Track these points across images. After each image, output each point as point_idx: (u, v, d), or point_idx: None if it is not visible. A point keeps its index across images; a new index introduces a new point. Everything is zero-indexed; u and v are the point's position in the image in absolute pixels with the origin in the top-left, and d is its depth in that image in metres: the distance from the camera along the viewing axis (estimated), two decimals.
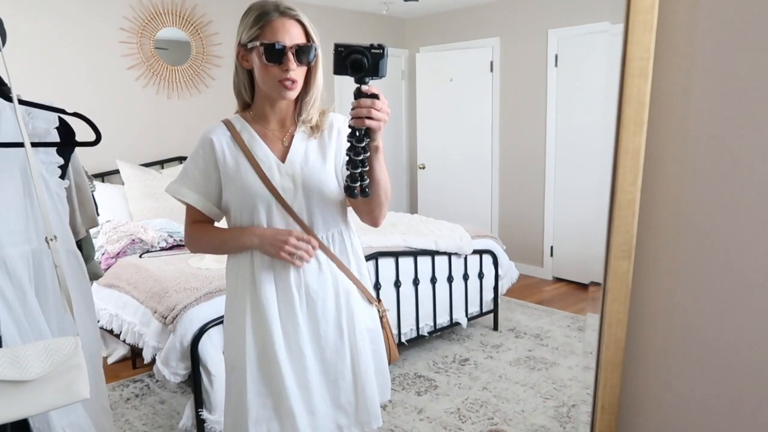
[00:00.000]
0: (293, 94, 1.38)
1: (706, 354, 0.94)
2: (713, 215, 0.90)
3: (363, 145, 1.24)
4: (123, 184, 3.93)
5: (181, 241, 3.47)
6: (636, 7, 0.79)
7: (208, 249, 1.53)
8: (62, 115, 1.52)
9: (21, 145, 1.33)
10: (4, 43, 1.17)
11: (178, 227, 3.61)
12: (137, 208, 3.83)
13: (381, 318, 1.61)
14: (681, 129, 0.87)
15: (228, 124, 1.46)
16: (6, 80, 1.32)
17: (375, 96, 1.23)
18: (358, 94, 1.23)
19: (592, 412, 0.94)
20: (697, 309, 0.93)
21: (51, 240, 1.30)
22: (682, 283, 0.93)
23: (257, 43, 1.33)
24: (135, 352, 3.23)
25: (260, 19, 1.33)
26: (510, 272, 3.92)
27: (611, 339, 0.87)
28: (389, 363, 1.65)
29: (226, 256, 1.53)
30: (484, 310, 3.74)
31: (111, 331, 2.93)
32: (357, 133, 1.23)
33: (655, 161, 0.90)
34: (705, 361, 0.94)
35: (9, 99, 1.42)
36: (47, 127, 1.48)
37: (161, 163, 4.32)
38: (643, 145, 0.85)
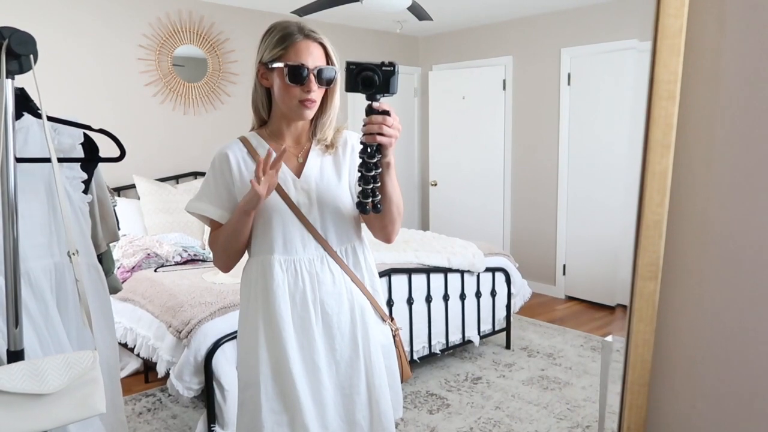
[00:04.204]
0: (311, 114, 1.41)
1: (733, 376, 0.93)
2: (740, 236, 0.90)
3: (374, 161, 1.25)
4: (139, 198, 3.98)
5: (195, 255, 3.49)
6: (664, 31, 0.80)
7: (224, 242, 1.44)
8: (87, 131, 1.55)
9: (48, 160, 1.36)
10: (35, 62, 1.20)
11: (192, 242, 3.63)
12: (152, 222, 3.87)
13: (394, 336, 1.61)
14: (707, 150, 0.87)
15: (244, 140, 1.48)
16: (36, 97, 1.35)
17: (386, 112, 1.24)
18: (370, 111, 1.24)
19: None
20: (724, 330, 0.92)
21: (73, 254, 1.31)
22: (708, 304, 0.92)
23: (281, 64, 1.35)
24: (148, 366, 3.24)
25: (284, 40, 1.36)
26: (523, 290, 3.90)
27: (637, 360, 0.87)
28: (402, 381, 1.64)
29: (240, 270, 1.54)
30: (496, 329, 3.72)
31: (125, 345, 2.95)
32: (368, 150, 1.25)
33: (681, 182, 0.90)
34: (731, 383, 0.93)
35: (36, 115, 1.45)
36: (72, 142, 1.51)
37: (176, 178, 4.36)
38: (670, 167, 0.86)
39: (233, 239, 1.42)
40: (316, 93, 1.38)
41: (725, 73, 0.86)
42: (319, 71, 1.36)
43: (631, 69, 4.29)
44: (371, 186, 1.28)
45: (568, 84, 4.76)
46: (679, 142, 0.87)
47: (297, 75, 1.34)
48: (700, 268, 0.92)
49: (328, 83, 1.40)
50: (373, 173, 1.26)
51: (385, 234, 1.48)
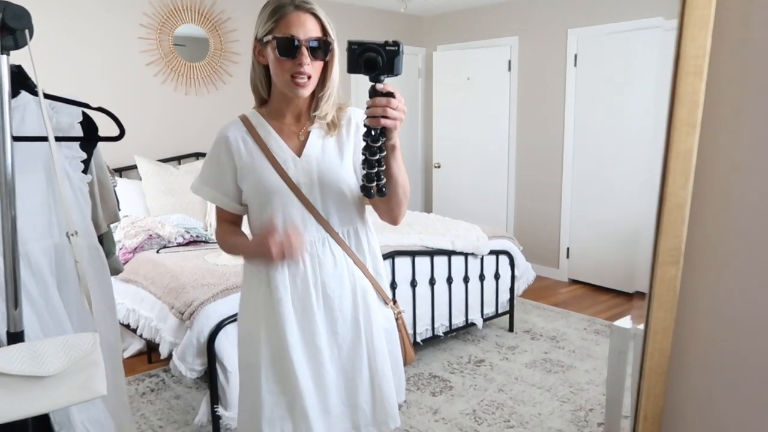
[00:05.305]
0: (305, 92, 1.35)
1: (751, 366, 0.90)
2: (766, 221, 0.86)
3: (379, 144, 1.21)
4: (140, 179, 3.95)
5: (197, 237, 3.47)
6: (693, 2, 0.75)
7: (230, 251, 1.55)
8: (86, 110, 1.52)
9: (45, 139, 1.33)
10: (31, 36, 1.16)
11: (194, 223, 3.61)
12: (154, 203, 3.85)
13: (396, 319, 1.59)
14: (734, 130, 0.83)
15: (244, 119, 1.45)
16: (32, 74, 1.32)
17: (390, 94, 1.20)
18: (373, 93, 1.20)
19: (633, 421, 0.91)
20: (744, 318, 0.89)
21: (72, 235, 1.29)
22: (730, 291, 0.89)
23: (271, 37, 1.31)
24: (151, 347, 3.25)
25: (275, 12, 1.31)
26: (527, 273, 3.89)
27: (656, 348, 0.84)
28: (405, 364, 1.63)
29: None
30: (499, 311, 3.71)
31: (128, 326, 2.95)
32: (373, 133, 1.20)
33: (705, 163, 0.86)
34: (749, 373, 0.90)
35: (34, 93, 1.42)
36: (71, 121, 1.48)
37: (178, 159, 4.33)
38: (695, 147, 0.82)
39: (238, 255, 1.50)
40: (310, 67, 1.32)
41: (755, 46, 0.82)
42: (312, 44, 1.30)
43: (639, 50, 4.22)
44: (376, 170, 1.24)
45: (575, 65, 4.69)
46: (705, 121, 0.83)
47: (287, 48, 1.29)
48: (723, 253, 0.89)
49: (322, 57, 1.34)
50: (377, 157, 1.23)
51: (391, 217, 1.46)
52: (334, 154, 1.43)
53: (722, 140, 0.84)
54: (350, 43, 1.18)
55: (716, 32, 0.80)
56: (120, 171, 4.03)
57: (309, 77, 1.33)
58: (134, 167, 4.04)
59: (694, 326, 0.91)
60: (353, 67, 1.19)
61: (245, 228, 1.51)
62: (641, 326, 0.92)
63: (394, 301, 1.60)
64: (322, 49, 1.33)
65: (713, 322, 0.91)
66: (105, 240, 1.68)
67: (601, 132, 4.57)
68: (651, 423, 0.86)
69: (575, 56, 4.68)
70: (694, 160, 0.82)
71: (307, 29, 1.31)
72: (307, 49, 1.30)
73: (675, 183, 0.81)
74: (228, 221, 1.50)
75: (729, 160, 0.85)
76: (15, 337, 1.22)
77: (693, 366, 0.92)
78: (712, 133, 0.85)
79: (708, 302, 0.91)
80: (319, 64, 1.36)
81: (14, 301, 1.21)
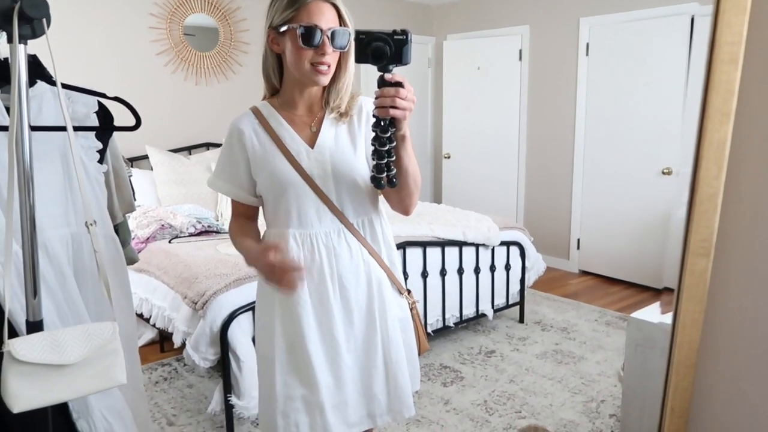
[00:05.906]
0: (326, 80, 1.35)
1: None
2: None
3: (388, 135, 1.21)
4: (152, 169, 3.96)
5: (209, 227, 3.48)
6: None
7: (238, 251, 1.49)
8: (101, 100, 1.52)
9: (63, 129, 1.33)
10: (48, 26, 1.16)
11: (206, 213, 3.62)
12: (166, 193, 3.86)
13: (411, 309, 1.59)
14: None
15: (256, 111, 1.44)
16: (50, 63, 1.32)
17: (399, 84, 1.19)
18: (382, 83, 1.19)
19: (660, 415, 0.90)
20: None
21: (91, 225, 1.30)
22: (761, 283, 0.87)
23: (293, 26, 1.30)
24: (163, 336, 3.27)
25: (295, 1, 1.30)
26: (537, 264, 3.87)
27: (684, 340, 0.83)
28: (419, 354, 1.63)
29: None
30: (510, 302, 3.71)
31: (141, 315, 2.96)
32: (382, 123, 1.20)
33: (739, 153, 0.84)
34: None
35: (51, 83, 1.42)
36: (87, 111, 1.48)
37: (189, 149, 4.34)
38: (729, 136, 0.80)
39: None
40: (331, 56, 1.32)
41: None
42: (333, 33, 1.30)
43: (655, 38, 4.17)
44: (386, 160, 1.24)
45: (587, 54, 4.64)
46: (740, 110, 0.81)
47: (310, 37, 1.28)
48: (754, 245, 0.87)
49: (342, 46, 1.33)
50: (387, 147, 1.22)
51: (402, 207, 1.45)
52: (347, 145, 1.42)
53: (757, 130, 0.83)
54: (358, 33, 1.18)
55: (753, 18, 0.78)
56: (132, 161, 4.05)
57: (329, 66, 1.33)
58: (145, 157, 4.04)
59: (723, 319, 0.89)
60: (361, 56, 1.18)
61: (260, 220, 1.51)
62: (668, 319, 0.91)
63: (409, 291, 1.60)
64: (341, 38, 1.32)
65: (743, 315, 0.89)
66: (120, 230, 1.69)
67: (613, 122, 4.53)
68: (678, 416, 0.85)
69: (587, 45, 4.63)
70: (727, 150, 0.80)
71: (327, 18, 1.30)
72: (328, 38, 1.30)
73: (708, 173, 0.80)
74: (243, 215, 1.50)
75: (763, 151, 0.83)
76: (34, 326, 1.23)
77: (722, 359, 0.91)
78: (747, 123, 0.83)
79: (738, 295, 0.90)
80: (338, 54, 1.35)
81: (33, 290, 1.21)
